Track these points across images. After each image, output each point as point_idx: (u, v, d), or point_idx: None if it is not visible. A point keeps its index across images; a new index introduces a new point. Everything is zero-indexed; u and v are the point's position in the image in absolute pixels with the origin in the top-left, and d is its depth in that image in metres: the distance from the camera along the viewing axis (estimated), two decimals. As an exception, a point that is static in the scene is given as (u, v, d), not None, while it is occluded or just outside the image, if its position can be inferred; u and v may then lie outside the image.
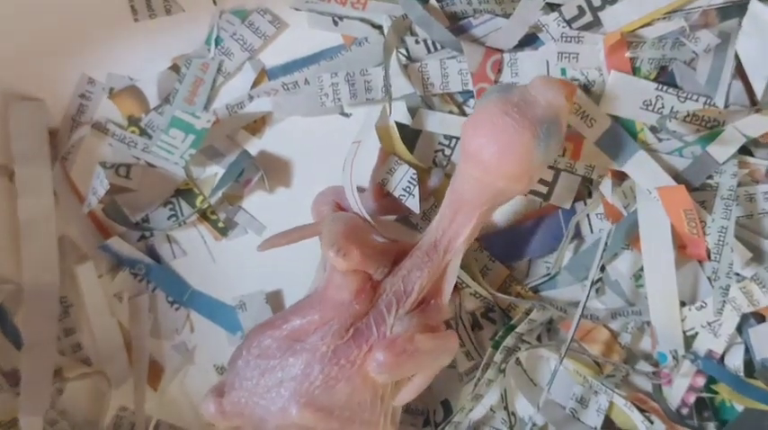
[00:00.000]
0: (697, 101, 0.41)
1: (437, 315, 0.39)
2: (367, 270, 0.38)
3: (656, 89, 0.41)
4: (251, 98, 0.45)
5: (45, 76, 0.46)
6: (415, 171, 0.42)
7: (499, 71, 0.43)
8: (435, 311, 0.39)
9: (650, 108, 0.42)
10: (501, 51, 0.43)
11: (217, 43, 0.45)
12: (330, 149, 0.45)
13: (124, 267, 0.46)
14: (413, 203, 0.42)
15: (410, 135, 0.44)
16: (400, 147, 0.43)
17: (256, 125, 0.46)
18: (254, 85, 0.46)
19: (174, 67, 0.46)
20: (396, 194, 0.42)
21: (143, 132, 0.46)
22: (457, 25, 0.44)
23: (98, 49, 0.46)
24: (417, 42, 0.44)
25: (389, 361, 0.37)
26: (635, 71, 0.42)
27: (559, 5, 0.42)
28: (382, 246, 0.40)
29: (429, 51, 0.44)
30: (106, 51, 0.46)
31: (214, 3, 0.45)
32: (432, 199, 0.44)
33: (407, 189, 0.42)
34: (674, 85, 0.42)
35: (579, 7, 0.42)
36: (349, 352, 0.37)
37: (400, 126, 0.43)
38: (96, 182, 0.45)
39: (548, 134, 0.37)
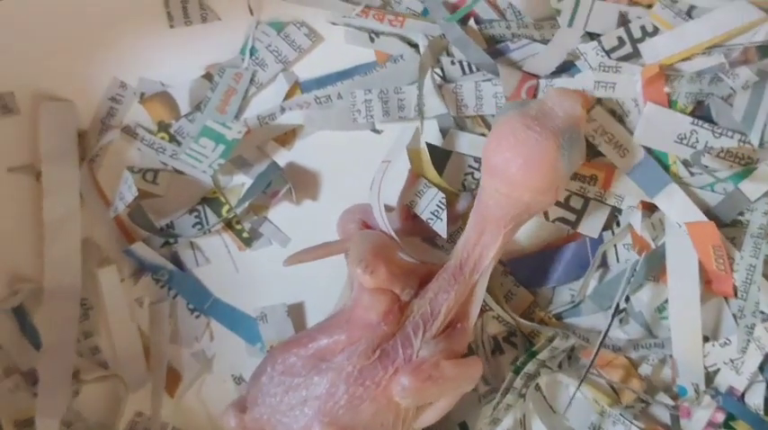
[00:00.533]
0: (732, 137, 0.41)
1: (463, 339, 0.39)
2: (393, 289, 0.38)
3: (692, 123, 0.41)
4: (283, 110, 0.45)
5: (76, 77, 0.46)
6: (443, 195, 0.42)
7: (534, 96, 0.43)
8: (461, 336, 0.39)
9: (684, 142, 0.41)
10: (537, 77, 0.43)
11: (251, 54, 0.45)
12: (359, 165, 0.45)
13: (147, 272, 0.46)
14: (440, 227, 0.42)
15: (440, 156, 0.44)
16: (430, 171, 0.43)
17: (286, 137, 0.46)
18: (287, 96, 0.46)
19: (207, 76, 0.46)
20: (423, 217, 0.42)
21: (172, 139, 0.46)
22: (494, 48, 0.44)
23: (131, 53, 0.46)
24: (453, 63, 0.44)
25: (414, 386, 0.37)
26: (671, 104, 0.42)
27: (599, 35, 0.42)
28: (409, 266, 0.40)
29: (464, 73, 0.44)
30: (139, 56, 0.46)
31: (250, 13, 0.45)
32: (459, 222, 0.44)
33: (435, 212, 0.42)
34: (710, 120, 0.41)
35: (619, 38, 0.42)
36: (375, 373, 0.37)
37: (431, 147, 0.43)
38: (124, 187, 0.45)
39: (570, 143, 0.37)
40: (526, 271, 0.45)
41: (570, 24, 0.42)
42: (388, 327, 0.38)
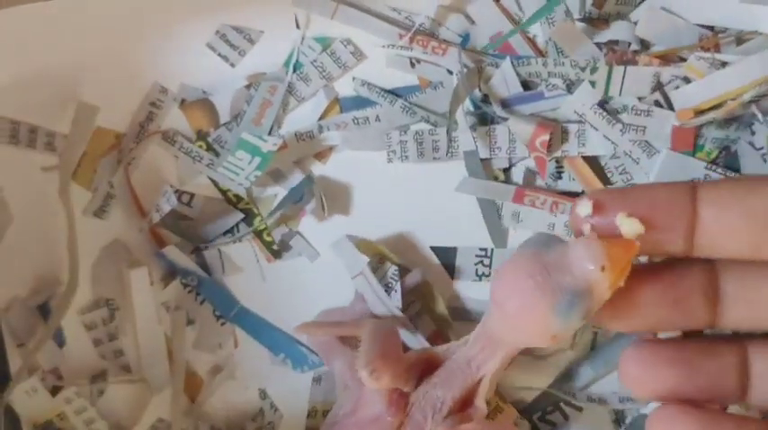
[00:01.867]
0: None
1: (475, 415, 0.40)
2: (396, 386, 0.39)
3: (705, 168, 0.43)
4: (321, 128, 0.46)
5: (118, 80, 0.46)
6: (396, 267, 0.44)
7: (549, 148, 0.44)
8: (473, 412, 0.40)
9: None
10: (552, 130, 0.44)
11: (296, 68, 0.46)
12: (394, 183, 0.46)
13: (176, 277, 0.47)
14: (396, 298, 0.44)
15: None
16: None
17: (323, 151, 0.47)
18: (326, 111, 0.47)
19: (249, 86, 0.46)
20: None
21: (210, 148, 0.47)
22: (526, 94, 0.45)
23: (174, 58, 0.46)
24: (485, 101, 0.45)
25: None
26: (696, 148, 0.44)
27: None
28: (411, 360, 0.40)
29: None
30: (182, 62, 0.46)
31: (297, 26, 0.46)
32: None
33: (389, 284, 0.44)
34: (734, 164, 0.44)
35: (656, 101, 0.44)
36: None
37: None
38: (163, 200, 0.45)
39: (570, 306, 0.33)
40: None
41: (606, 94, 0.44)
42: (395, 418, 0.39)
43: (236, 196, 0.47)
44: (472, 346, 0.39)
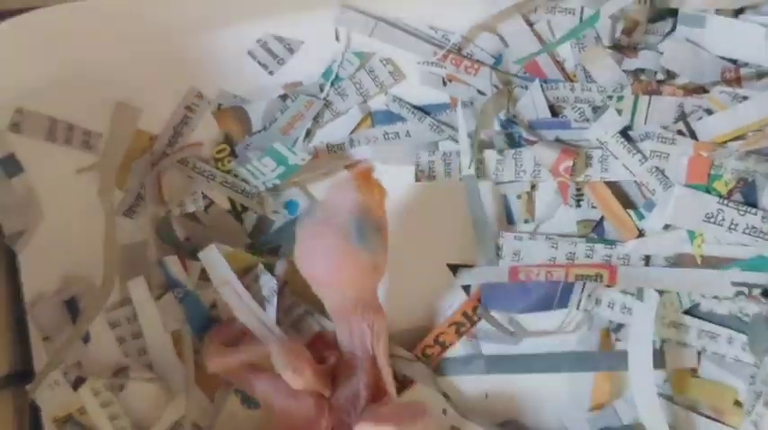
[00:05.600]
0: (756, 215, 0.43)
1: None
2: (317, 388, 0.41)
3: (718, 203, 0.44)
4: (352, 142, 0.47)
5: (155, 82, 0.47)
6: (274, 280, 0.45)
7: (572, 174, 0.45)
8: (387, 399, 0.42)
9: (712, 220, 0.44)
10: (576, 155, 0.45)
11: (333, 83, 0.47)
12: (420, 198, 0.47)
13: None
14: (271, 311, 0.44)
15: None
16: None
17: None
18: (358, 124, 0.48)
19: (284, 96, 0.48)
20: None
21: (232, 152, 0.48)
22: (556, 120, 0.47)
23: (213, 63, 0.48)
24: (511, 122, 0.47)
25: (367, 427, 0.39)
26: (711, 179, 0.45)
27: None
28: (324, 367, 0.42)
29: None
30: (220, 67, 0.48)
31: (337, 39, 0.47)
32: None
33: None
34: (749, 197, 0.45)
35: (679, 131, 0.45)
36: None
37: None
38: (190, 199, 0.46)
39: (359, 230, 0.39)
40: (497, 297, 0.46)
41: (631, 122, 0.45)
42: (326, 423, 0.41)
43: (243, 206, 0.48)
44: (343, 339, 0.42)
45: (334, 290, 0.40)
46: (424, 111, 0.48)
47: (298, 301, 0.47)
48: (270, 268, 0.46)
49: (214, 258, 0.45)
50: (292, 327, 0.46)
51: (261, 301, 0.45)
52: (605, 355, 0.46)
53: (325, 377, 0.42)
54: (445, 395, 0.46)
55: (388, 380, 0.42)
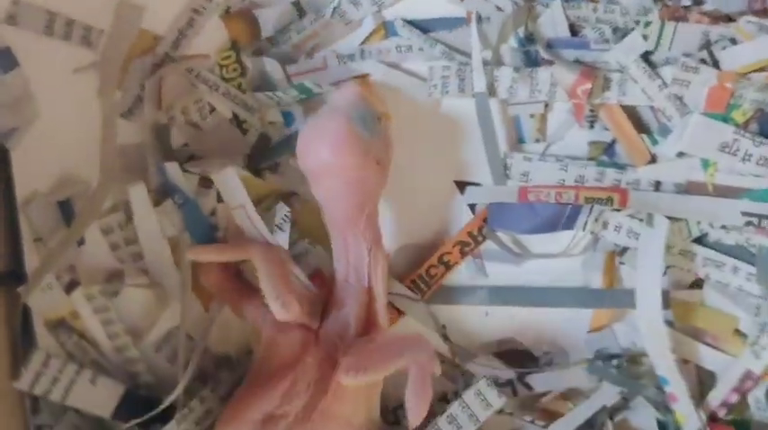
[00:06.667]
0: None
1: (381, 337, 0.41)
2: (304, 321, 0.40)
3: (734, 133, 0.43)
4: (362, 53, 0.46)
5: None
6: (288, 209, 0.44)
7: (590, 94, 0.44)
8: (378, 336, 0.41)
9: (727, 150, 0.43)
10: (594, 79, 0.44)
11: (348, -11, 0.46)
12: (425, 110, 0.46)
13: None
14: (282, 239, 0.43)
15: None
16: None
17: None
18: (371, 34, 0.46)
19: (296, 4, 0.46)
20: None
21: (237, 60, 0.46)
22: (575, 40, 0.46)
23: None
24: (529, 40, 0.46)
25: (355, 360, 0.39)
26: (729, 108, 0.44)
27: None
28: (306, 292, 0.42)
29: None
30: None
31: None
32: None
33: (280, 225, 0.44)
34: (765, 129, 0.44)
35: (702, 59, 0.44)
36: (317, 401, 0.39)
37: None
38: (194, 108, 0.45)
39: (361, 115, 0.40)
40: (503, 217, 0.46)
41: (655, 48, 0.44)
42: (312, 358, 0.40)
43: (246, 121, 0.46)
44: (339, 258, 0.41)
45: (337, 182, 0.40)
46: (437, 25, 0.46)
47: (300, 238, 0.46)
48: (283, 198, 0.45)
49: (230, 181, 0.43)
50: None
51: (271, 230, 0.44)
52: (610, 293, 0.46)
53: (314, 306, 0.41)
54: (445, 337, 0.46)
55: (381, 311, 0.41)
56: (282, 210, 0.44)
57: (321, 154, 0.40)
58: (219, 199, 0.45)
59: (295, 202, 0.46)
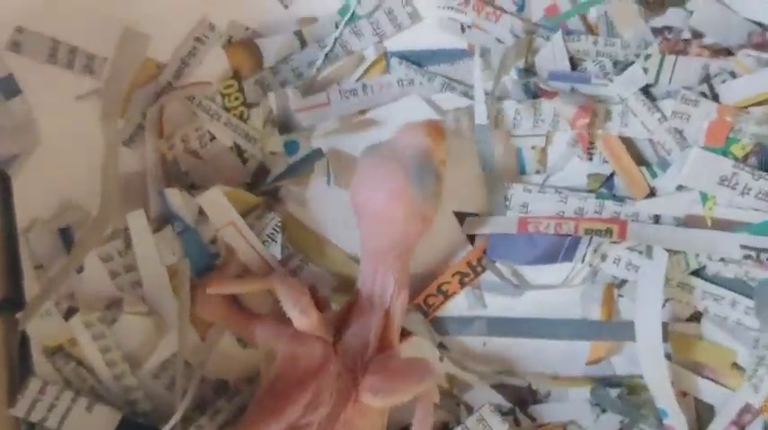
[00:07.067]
0: None
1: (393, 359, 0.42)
2: (322, 334, 0.41)
3: (733, 167, 0.43)
4: (365, 89, 0.46)
5: (164, 9, 0.46)
6: (279, 218, 0.44)
7: (591, 126, 0.45)
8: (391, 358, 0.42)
9: (726, 183, 0.43)
10: (594, 115, 0.44)
11: (350, 20, 0.46)
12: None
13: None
14: (275, 250, 0.44)
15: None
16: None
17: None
18: (372, 65, 0.47)
19: (298, 34, 0.46)
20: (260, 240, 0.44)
21: (239, 89, 0.46)
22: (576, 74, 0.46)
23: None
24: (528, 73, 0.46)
25: (380, 382, 0.39)
26: (729, 142, 0.44)
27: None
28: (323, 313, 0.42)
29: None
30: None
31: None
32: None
33: (271, 235, 0.44)
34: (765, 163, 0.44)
35: (702, 93, 0.45)
36: (338, 412, 0.39)
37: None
38: (194, 136, 0.45)
39: (419, 172, 0.41)
40: (503, 248, 0.46)
41: (656, 82, 0.45)
42: (334, 367, 0.40)
43: (246, 151, 0.47)
44: (365, 282, 0.42)
45: (381, 226, 0.41)
46: (437, 57, 0.47)
47: (293, 253, 0.46)
48: (271, 207, 0.45)
49: (216, 200, 0.44)
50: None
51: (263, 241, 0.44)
52: (609, 325, 0.45)
53: (328, 322, 0.42)
54: (442, 345, 0.46)
55: (395, 334, 0.42)
56: (273, 221, 0.44)
57: (371, 202, 0.41)
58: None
59: (286, 216, 0.46)
